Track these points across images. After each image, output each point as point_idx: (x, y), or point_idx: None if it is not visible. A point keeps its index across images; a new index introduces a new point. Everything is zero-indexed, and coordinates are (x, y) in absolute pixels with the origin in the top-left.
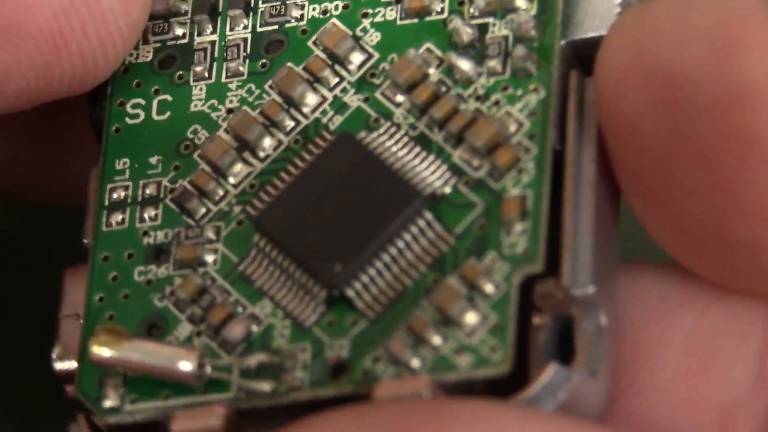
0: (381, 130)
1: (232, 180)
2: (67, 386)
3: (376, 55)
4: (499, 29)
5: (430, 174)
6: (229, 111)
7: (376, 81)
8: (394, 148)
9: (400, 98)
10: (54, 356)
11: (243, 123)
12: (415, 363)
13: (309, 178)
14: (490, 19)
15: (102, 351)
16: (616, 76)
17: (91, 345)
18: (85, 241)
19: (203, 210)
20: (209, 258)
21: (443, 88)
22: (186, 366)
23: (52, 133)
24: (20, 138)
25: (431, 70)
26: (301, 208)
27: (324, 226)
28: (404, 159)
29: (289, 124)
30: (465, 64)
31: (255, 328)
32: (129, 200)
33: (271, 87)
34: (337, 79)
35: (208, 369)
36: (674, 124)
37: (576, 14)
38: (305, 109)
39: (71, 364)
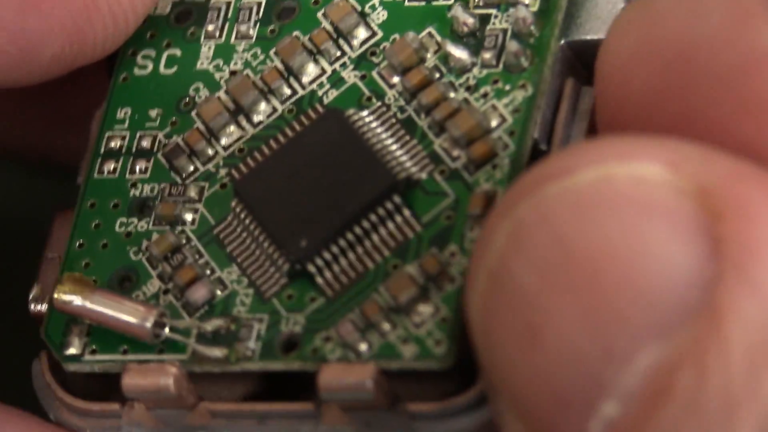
0: (371, 109)
1: (223, 142)
2: (30, 314)
3: (380, 34)
4: (500, 22)
5: (409, 159)
6: (233, 73)
7: (376, 59)
8: (379, 129)
9: (395, 80)
10: (30, 297)
11: (240, 87)
12: (363, 347)
13: (292, 150)
14: (493, 11)
15: (65, 298)
16: (624, 61)
17: (56, 292)
18: (79, 179)
19: (191, 168)
20: (188, 217)
21: (437, 74)
22: (144, 323)
23: (67, 96)
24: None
25: (428, 55)
26: (280, 178)
27: (297, 200)
28: (386, 141)
29: (286, 92)
30: (459, 53)
31: (219, 293)
32: (124, 150)
33: (276, 53)
34: (338, 53)
35: (166, 330)
36: (690, 98)
37: (580, 15)
38: (304, 79)
39: (45, 307)
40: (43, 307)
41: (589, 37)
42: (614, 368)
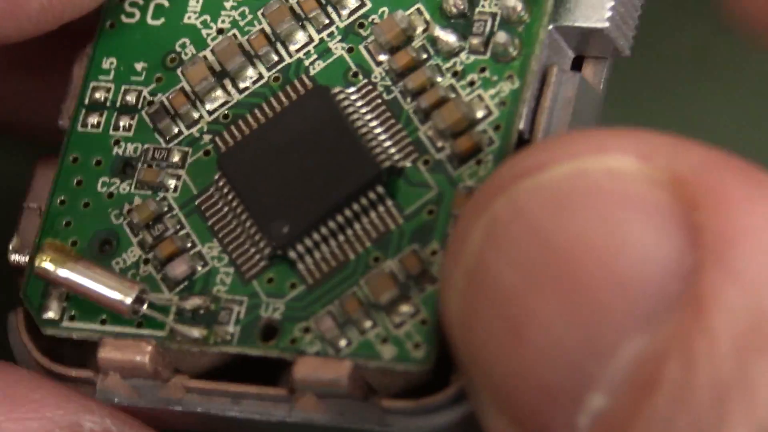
0: (357, 86)
1: (208, 106)
2: (20, 279)
3: (369, 5)
4: (489, 5)
5: (394, 145)
6: (219, 31)
7: (363, 32)
8: (365, 110)
9: (382, 58)
10: (10, 247)
11: (227, 51)
12: (341, 343)
13: (277, 127)
14: None
15: (47, 266)
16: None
17: (37, 260)
18: (60, 122)
19: (175, 131)
20: (170, 183)
21: (424, 56)
22: (124, 300)
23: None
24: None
25: (416, 33)
26: (264, 156)
27: (281, 181)
28: (372, 123)
29: (273, 59)
30: (447, 37)
31: (199, 269)
32: (108, 104)
33: (263, 16)
34: (327, 21)
35: (145, 305)
36: None
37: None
38: (291, 47)
39: (25, 259)
40: (22, 259)
41: (578, 24)
42: (599, 360)
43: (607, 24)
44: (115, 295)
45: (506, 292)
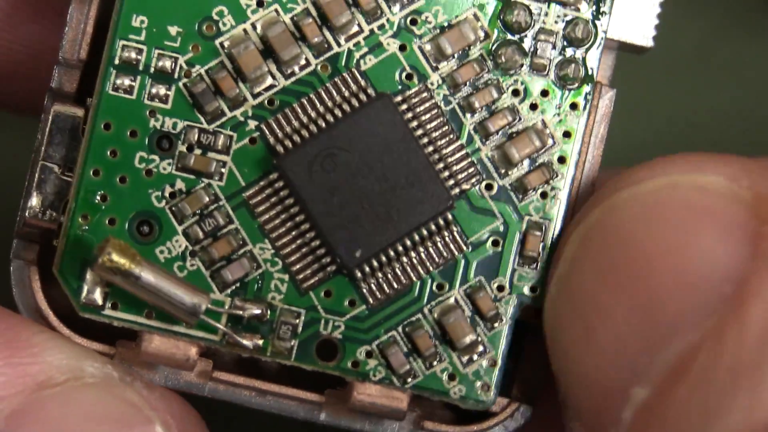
0: (414, 91)
1: (255, 89)
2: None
3: (422, 1)
4: (551, 21)
5: (456, 162)
6: (260, 3)
7: (417, 30)
8: (428, 124)
9: (441, 66)
10: (29, 205)
11: (282, 39)
12: (407, 374)
13: (342, 138)
14: (543, 6)
15: (112, 267)
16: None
17: (102, 259)
18: (61, 55)
19: (218, 111)
20: (217, 170)
21: (484, 71)
22: (198, 309)
23: None
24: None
25: (476, 42)
26: (332, 170)
27: (352, 200)
28: (436, 137)
29: (323, 46)
30: (512, 54)
31: (252, 270)
32: (141, 67)
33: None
34: (378, 12)
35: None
36: None
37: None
38: (341, 36)
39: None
40: (44, 218)
41: (624, 40)
42: (648, 356)
43: (652, 43)
44: (187, 303)
45: (585, 295)
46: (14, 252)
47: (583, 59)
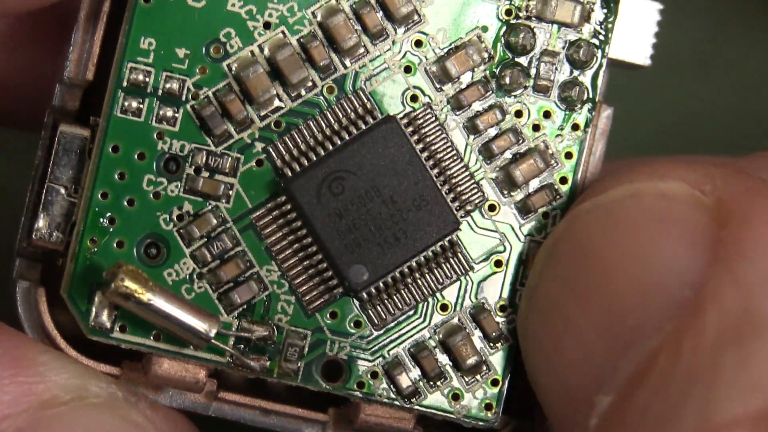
0: (419, 113)
1: (261, 111)
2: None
3: (427, 23)
4: (553, 43)
5: (461, 184)
6: (266, 25)
7: (421, 52)
8: (430, 138)
9: (445, 87)
10: (35, 227)
11: (291, 62)
12: (414, 397)
13: (350, 160)
14: (545, 27)
15: (125, 293)
16: None
17: (115, 285)
18: (66, 75)
19: (225, 134)
20: (223, 192)
21: (488, 92)
22: (209, 333)
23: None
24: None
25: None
26: (338, 192)
27: (359, 225)
28: (439, 156)
29: (329, 67)
30: (515, 76)
31: (258, 292)
32: (149, 89)
33: (314, 16)
34: (383, 34)
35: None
36: None
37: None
38: (346, 59)
39: (53, 242)
40: (49, 237)
41: (621, 58)
42: (611, 363)
43: (649, 62)
44: (198, 327)
45: (551, 304)
46: (18, 272)
47: (587, 80)
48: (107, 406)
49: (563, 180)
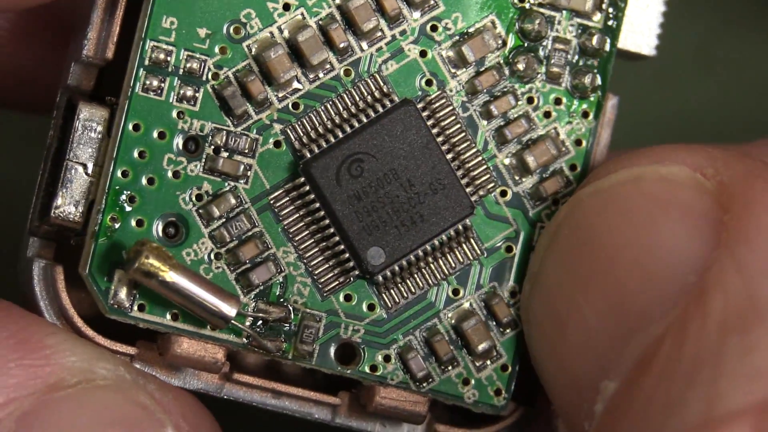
0: (435, 96)
1: (280, 94)
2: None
3: (442, 7)
4: (564, 30)
5: (474, 169)
6: (285, 6)
7: (437, 36)
8: (445, 123)
9: (459, 72)
10: (54, 204)
11: (311, 44)
12: (425, 382)
13: (368, 142)
14: (557, 14)
15: (150, 271)
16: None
17: (140, 262)
18: (84, 53)
19: (245, 114)
20: (242, 172)
21: (502, 78)
22: (230, 314)
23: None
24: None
25: (495, 50)
26: (357, 174)
27: (377, 208)
28: (454, 141)
29: (344, 48)
30: (530, 63)
31: (276, 273)
32: (170, 68)
33: (339, 4)
34: (400, 18)
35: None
36: None
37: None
38: (363, 42)
39: (73, 219)
40: (69, 215)
41: (627, 48)
42: (616, 349)
43: (654, 52)
44: (220, 307)
45: (554, 290)
46: (34, 250)
47: (596, 68)
48: (115, 388)
49: (573, 167)
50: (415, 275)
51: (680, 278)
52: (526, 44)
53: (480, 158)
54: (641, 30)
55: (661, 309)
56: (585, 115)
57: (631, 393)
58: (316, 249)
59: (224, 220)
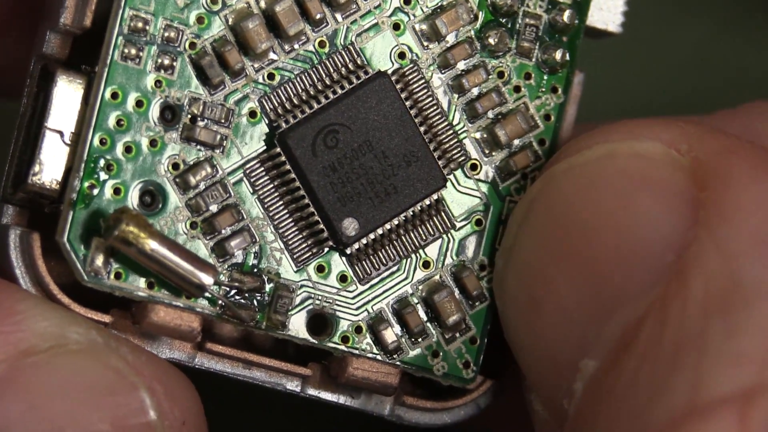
0: (407, 69)
1: (256, 64)
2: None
3: None
4: (535, 5)
5: (446, 141)
6: None
7: (410, 10)
8: (418, 95)
9: (432, 46)
10: (31, 171)
11: (289, 15)
12: (396, 353)
13: (343, 114)
14: None
15: (129, 240)
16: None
17: (120, 229)
18: (62, 21)
19: (221, 84)
20: (218, 141)
21: (474, 52)
22: (207, 283)
23: None
24: None
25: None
26: (332, 145)
27: (352, 179)
28: (426, 113)
29: (320, 20)
30: (502, 38)
31: (251, 242)
32: (148, 37)
33: None
34: None
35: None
36: None
37: None
38: (338, 14)
39: (49, 186)
40: (46, 182)
41: (594, 25)
42: (595, 328)
43: (620, 29)
44: (198, 275)
45: (529, 266)
46: (9, 218)
47: (566, 44)
48: (87, 352)
49: (542, 141)
50: (387, 247)
51: (658, 256)
52: (497, 18)
53: (451, 132)
54: (608, 7)
55: (639, 287)
56: (554, 90)
57: (613, 374)
58: (291, 219)
59: (201, 189)
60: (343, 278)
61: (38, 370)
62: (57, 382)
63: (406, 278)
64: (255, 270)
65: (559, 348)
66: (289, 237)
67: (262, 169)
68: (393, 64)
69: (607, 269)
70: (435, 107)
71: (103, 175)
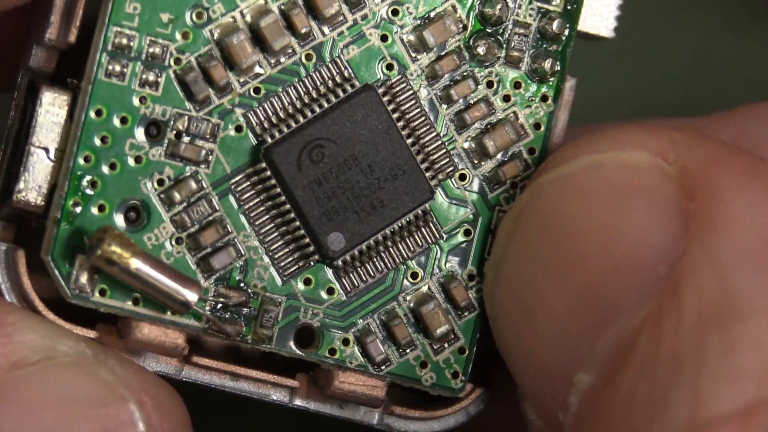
0: (395, 80)
1: (242, 78)
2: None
3: None
4: (524, 14)
5: (434, 153)
6: None
7: (398, 21)
8: (405, 107)
9: (420, 57)
10: (16, 188)
11: (274, 30)
12: (384, 365)
13: (329, 128)
14: None
15: (112, 259)
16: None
17: (102, 249)
18: (48, 37)
19: (206, 99)
20: (203, 157)
21: (463, 62)
22: (191, 301)
23: None
24: None
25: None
26: (318, 160)
27: (338, 193)
28: (414, 125)
29: (306, 33)
30: (490, 47)
31: (236, 257)
32: (132, 54)
33: None
34: (362, 2)
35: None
36: None
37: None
38: (325, 27)
39: (35, 203)
40: (31, 199)
41: (586, 30)
42: (589, 340)
43: (613, 34)
44: (181, 293)
45: (521, 279)
46: None
47: (556, 52)
48: (76, 364)
49: (531, 150)
50: (375, 259)
51: (649, 268)
52: (486, 29)
53: (440, 142)
54: (600, 12)
55: (632, 300)
56: (544, 98)
57: (609, 390)
58: (277, 234)
59: (186, 204)
60: (330, 291)
61: (28, 382)
62: (47, 394)
63: (393, 290)
64: (241, 284)
65: (552, 361)
66: (275, 251)
67: (248, 184)
68: (381, 75)
69: (598, 281)
70: (423, 119)
71: (87, 193)
